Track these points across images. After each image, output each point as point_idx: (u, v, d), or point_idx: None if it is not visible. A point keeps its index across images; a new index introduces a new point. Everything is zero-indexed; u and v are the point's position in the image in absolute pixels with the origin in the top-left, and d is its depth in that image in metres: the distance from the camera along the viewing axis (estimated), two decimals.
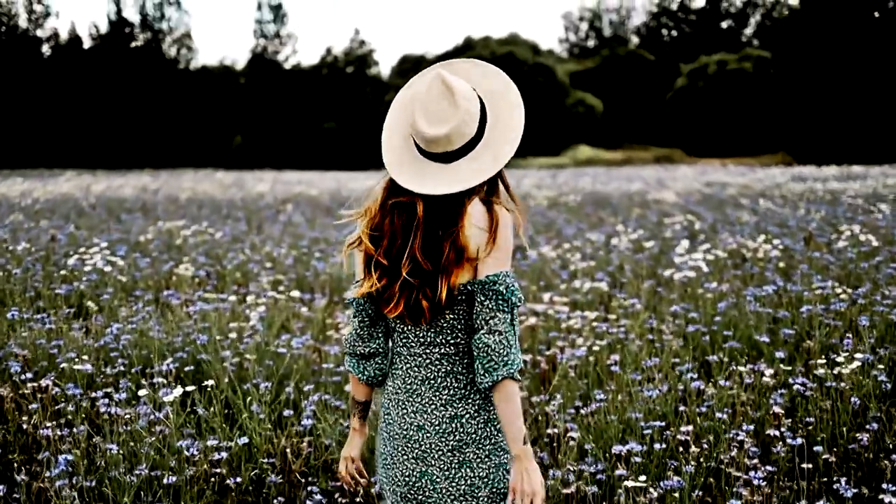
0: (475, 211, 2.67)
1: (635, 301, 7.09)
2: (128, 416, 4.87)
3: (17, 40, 72.59)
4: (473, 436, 2.73)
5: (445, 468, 2.74)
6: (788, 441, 4.60)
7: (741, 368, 5.43)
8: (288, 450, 4.93)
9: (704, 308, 7.32)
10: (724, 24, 79.76)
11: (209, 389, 5.29)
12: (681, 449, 4.70)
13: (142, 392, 4.76)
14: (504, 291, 2.65)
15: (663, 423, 4.91)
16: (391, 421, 2.83)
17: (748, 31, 79.76)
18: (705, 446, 4.76)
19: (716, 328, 6.83)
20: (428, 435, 2.75)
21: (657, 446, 4.61)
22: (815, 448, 4.65)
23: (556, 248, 10.48)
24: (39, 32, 74.42)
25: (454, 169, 2.65)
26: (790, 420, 5.22)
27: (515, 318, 2.71)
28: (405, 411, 2.80)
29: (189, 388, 5.05)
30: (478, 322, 2.66)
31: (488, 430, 2.76)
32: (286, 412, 5.27)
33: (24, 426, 5.08)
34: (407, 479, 2.78)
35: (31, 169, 51.67)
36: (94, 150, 64.93)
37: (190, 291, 8.52)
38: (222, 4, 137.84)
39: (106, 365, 6.26)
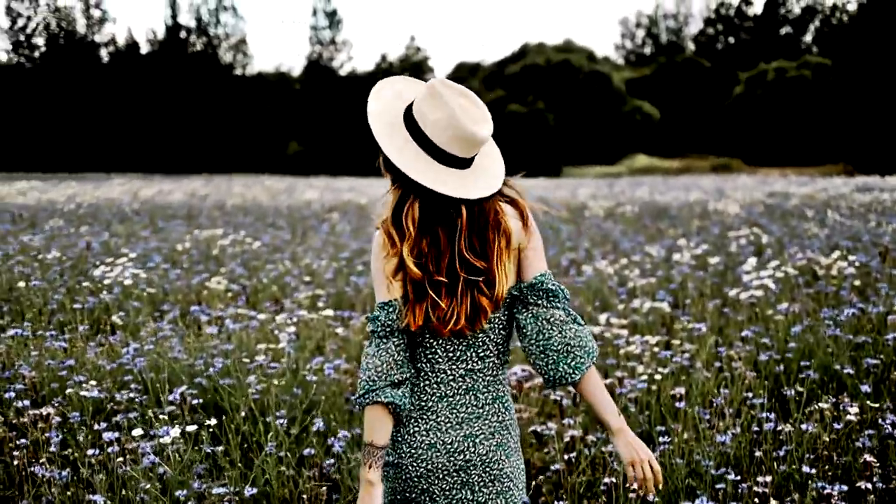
0: (503, 205, 2.72)
1: (701, 326, 6.42)
2: (129, 450, 4.33)
3: (75, 45, 73.30)
4: (484, 457, 2.69)
5: (447, 488, 2.67)
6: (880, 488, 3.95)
7: (822, 405, 4.77)
8: (305, 496, 4.35)
9: (776, 332, 6.65)
10: (783, 31, 78.33)
11: (224, 423, 4.73)
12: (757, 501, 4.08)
13: (136, 432, 4.19)
14: (554, 289, 2.70)
15: (737, 477, 4.27)
16: (398, 440, 2.70)
17: (807, 37, 78.25)
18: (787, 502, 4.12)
19: (790, 355, 6.17)
20: (438, 454, 2.67)
21: None
22: None
23: (612, 263, 9.82)
24: (97, 38, 75.07)
25: (476, 169, 2.68)
26: (880, 467, 4.56)
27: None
28: (417, 429, 2.69)
29: (199, 422, 4.48)
30: (536, 325, 2.68)
31: (499, 453, 2.71)
32: (307, 451, 4.70)
33: (16, 461, 4.54)
34: (407, 493, 2.70)
35: (88, 173, 51.98)
36: (151, 154, 65.31)
37: (221, 307, 8.00)
38: (278, 11, 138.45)
39: (120, 389, 5.74)
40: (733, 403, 5.20)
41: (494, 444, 2.70)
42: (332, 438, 4.82)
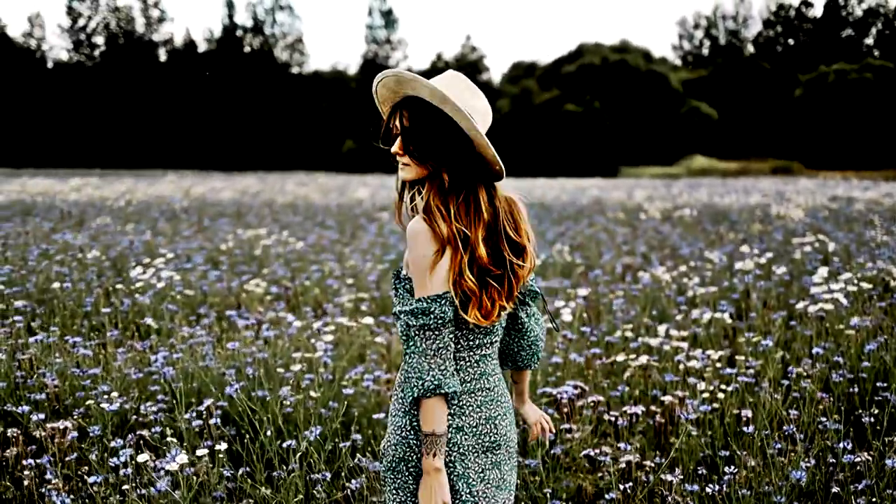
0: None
1: (768, 341, 5.95)
2: (147, 468, 3.99)
3: (134, 45, 73.99)
4: (504, 437, 2.80)
5: (479, 470, 2.75)
6: None
7: None
8: None
9: (848, 349, 6.16)
10: (844, 34, 76.92)
11: (247, 443, 4.38)
12: None
13: (142, 457, 3.84)
14: (538, 290, 2.90)
15: None
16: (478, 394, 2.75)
17: (868, 40, 76.76)
18: None
19: (864, 374, 5.69)
20: (466, 437, 2.72)
21: None
22: None
23: (670, 270, 9.34)
24: (155, 37, 75.77)
25: None
26: None
27: None
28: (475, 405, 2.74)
29: (226, 435, 4.13)
30: (531, 321, 2.86)
31: (512, 431, 2.85)
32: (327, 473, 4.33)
33: (25, 482, 4.22)
34: (480, 474, 2.74)
35: (146, 170, 52.32)
36: (207, 152, 65.76)
37: (261, 310, 7.68)
38: (334, 10, 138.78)
39: (147, 400, 5.42)
40: (805, 427, 4.76)
41: (508, 423, 2.81)
42: (365, 456, 4.44)
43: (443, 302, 2.55)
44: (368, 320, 6.43)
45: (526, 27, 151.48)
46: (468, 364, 2.70)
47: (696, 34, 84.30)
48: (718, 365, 5.83)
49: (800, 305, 6.72)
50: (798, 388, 5.40)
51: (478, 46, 75.60)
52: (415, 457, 2.67)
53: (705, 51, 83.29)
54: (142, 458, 3.76)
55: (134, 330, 7.09)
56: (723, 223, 15.70)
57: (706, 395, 5.25)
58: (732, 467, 4.27)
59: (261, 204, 20.16)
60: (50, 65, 73.86)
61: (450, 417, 2.66)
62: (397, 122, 2.66)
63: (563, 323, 6.79)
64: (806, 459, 4.33)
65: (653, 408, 5.29)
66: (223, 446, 4.00)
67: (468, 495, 2.69)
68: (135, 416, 5.09)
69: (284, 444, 4.53)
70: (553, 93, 62.13)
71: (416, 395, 2.56)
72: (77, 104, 68.80)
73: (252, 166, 59.41)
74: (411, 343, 2.57)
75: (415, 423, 2.67)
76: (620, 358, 5.93)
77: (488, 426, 2.73)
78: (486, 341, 2.73)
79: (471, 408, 2.71)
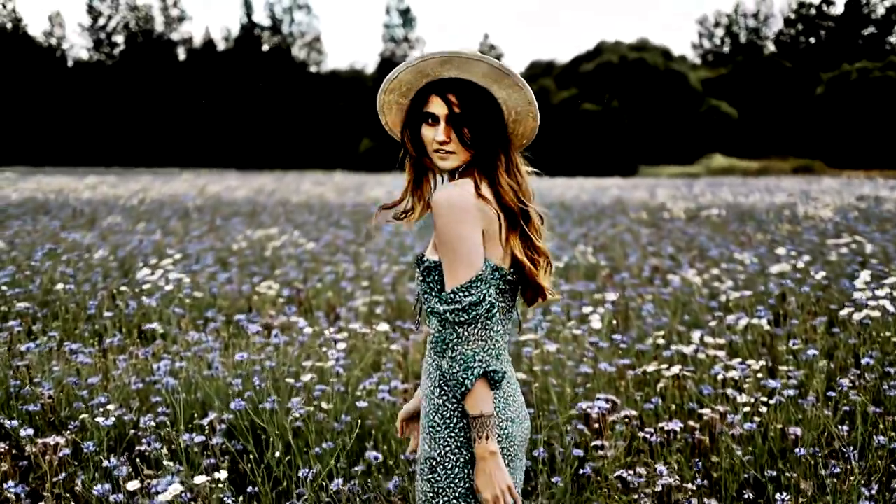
0: None
1: (812, 350, 5.54)
2: (141, 492, 3.63)
3: (153, 44, 74.01)
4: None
5: (522, 456, 2.69)
6: None
7: None
8: None
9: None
10: (866, 32, 76.22)
11: (252, 459, 4.01)
12: None
13: (132, 485, 3.47)
14: None
15: None
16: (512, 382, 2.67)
17: (892, 38, 76.03)
18: None
19: None
20: (523, 425, 2.67)
21: None
22: None
23: (700, 273, 8.92)
24: (174, 36, 75.79)
25: None
26: None
27: None
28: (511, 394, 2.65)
29: (231, 450, 3.77)
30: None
31: None
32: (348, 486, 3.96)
33: None
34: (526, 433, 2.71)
35: (163, 168, 52.22)
36: (225, 150, 65.58)
37: (272, 314, 7.32)
38: (352, 9, 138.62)
39: (147, 412, 5.07)
40: (859, 445, 4.38)
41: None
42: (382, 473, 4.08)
43: (485, 285, 2.44)
44: (384, 327, 6.04)
45: (544, 26, 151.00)
46: (503, 349, 2.59)
47: (716, 32, 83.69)
48: (759, 375, 5.43)
49: (843, 312, 6.31)
50: (847, 401, 5.00)
51: (496, 45, 75.12)
52: (464, 449, 2.54)
53: (726, 49, 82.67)
54: (132, 485, 3.40)
55: (138, 334, 6.74)
56: (749, 223, 15.25)
57: (747, 409, 4.86)
58: (785, 494, 3.88)
59: (275, 203, 19.80)
60: (70, 63, 73.93)
61: (501, 409, 2.56)
62: (435, 109, 2.54)
63: (590, 329, 6.40)
64: (866, 485, 3.94)
65: (690, 423, 4.89)
66: (223, 475, 3.62)
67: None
68: (133, 431, 4.74)
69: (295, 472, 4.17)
70: (571, 91, 61.57)
71: (467, 383, 2.42)
72: (97, 103, 68.81)
73: (269, 165, 59.20)
74: (454, 334, 2.43)
75: (458, 410, 2.54)
76: (652, 368, 5.53)
77: (524, 411, 2.68)
78: (510, 326, 2.67)
79: (512, 397, 2.62)
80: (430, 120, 2.55)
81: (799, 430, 4.48)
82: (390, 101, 2.65)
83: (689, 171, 53.09)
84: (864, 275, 6.81)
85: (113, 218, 14.42)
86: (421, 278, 2.55)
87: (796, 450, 4.31)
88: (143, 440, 4.48)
